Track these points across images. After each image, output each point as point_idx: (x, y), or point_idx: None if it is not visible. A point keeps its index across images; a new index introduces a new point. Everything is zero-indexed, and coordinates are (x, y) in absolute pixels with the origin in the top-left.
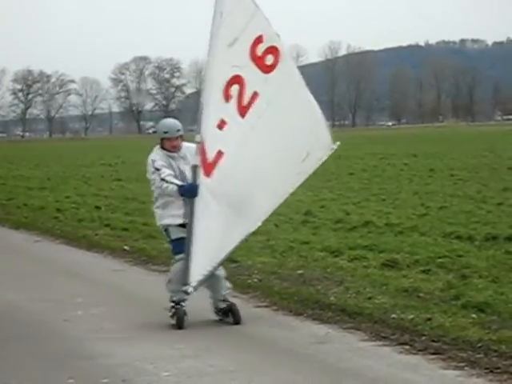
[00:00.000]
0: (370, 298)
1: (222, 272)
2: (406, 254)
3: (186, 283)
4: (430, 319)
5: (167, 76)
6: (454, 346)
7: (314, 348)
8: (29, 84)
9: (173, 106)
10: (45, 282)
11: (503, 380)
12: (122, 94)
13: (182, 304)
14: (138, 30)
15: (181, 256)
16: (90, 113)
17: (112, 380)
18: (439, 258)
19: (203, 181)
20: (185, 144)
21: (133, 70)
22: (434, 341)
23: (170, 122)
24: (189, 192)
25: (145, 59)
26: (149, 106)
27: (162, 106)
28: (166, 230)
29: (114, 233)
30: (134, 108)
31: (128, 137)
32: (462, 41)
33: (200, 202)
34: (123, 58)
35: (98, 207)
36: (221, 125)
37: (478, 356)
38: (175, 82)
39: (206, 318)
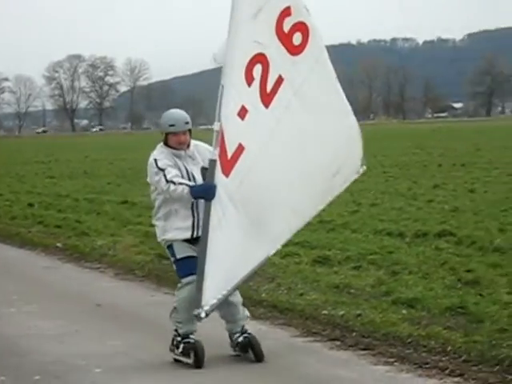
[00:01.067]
0: (301, 295)
1: (238, 297)
2: (337, 250)
3: (197, 306)
4: (360, 315)
5: (101, 74)
6: (384, 342)
7: None
8: None
9: (107, 104)
10: None
11: (432, 375)
12: (56, 92)
13: (192, 337)
14: (71, 28)
15: (189, 279)
16: (23, 111)
17: (44, 377)
18: (370, 254)
19: (221, 180)
20: (193, 142)
21: (66, 68)
22: (364, 336)
23: (177, 112)
24: (204, 193)
25: (78, 57)
26: (83, 104)
27: (96, 104)
28: (169, 247)
29: (47, 230)
30: (67, 106)
31: (61, 135)
32: (394, 39)
33: (217, 207)
34: (57, 56)
35: (31, 204)
36: (242, 113)
37: (408, 351)
38: (109, 80)
39: (138, 315)
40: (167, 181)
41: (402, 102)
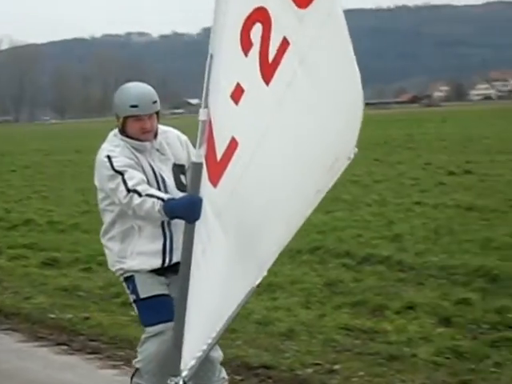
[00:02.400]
0: (28, 298)
1: (218, 352)
2: (66, 252)
3: (175, 373)
4: (88, 318)
5: None
6: (112, 345)
7: None
8: None
9: None
10: None
11: None
12: None
13: None
14: None
15: (159, 329)
16: None
17: None
18: (100, 255)
19: (207, 192)
20: (160, 128)
21: None
22: (92, 340)
23: (141, 88)
24: (186, 211)
25: None
26: None
27: None
28: (128, 280)
29: None
30: None
31: None
32: (128, 34)
33: (201, 230)
34: None
35: None
36: (236, 94)
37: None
38: None
39: None
40: (129, 190)
41: None
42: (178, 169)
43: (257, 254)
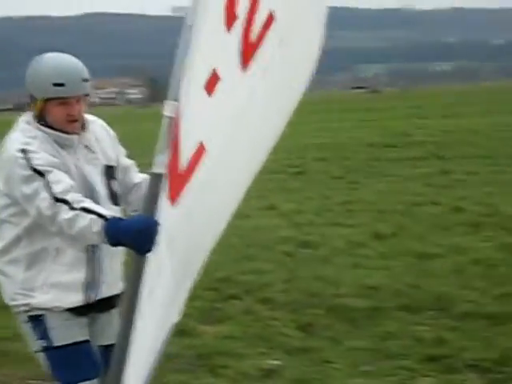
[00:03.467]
0: None
1: None
2: None
3: None
4: None
5: None
6: None
7: None
8: None
9: None
10: None
11: None
12: None
13: None
14: None
15: None
16: None
17: None
18: None
19: (163, 211)
20: (88, 118)
21: None
22: None
23: (67, 61)
24: (137, 238)
25: None
26: None
27: None
28: (34, 320)
29: None
30: None
31: None
32: None
33: (152, 264)
34: None
35: None
36: (211, 84)
37: None
38: None
39: None
40: (56, 198)
41: None
42: (109, 172)
43: (186, 286)
